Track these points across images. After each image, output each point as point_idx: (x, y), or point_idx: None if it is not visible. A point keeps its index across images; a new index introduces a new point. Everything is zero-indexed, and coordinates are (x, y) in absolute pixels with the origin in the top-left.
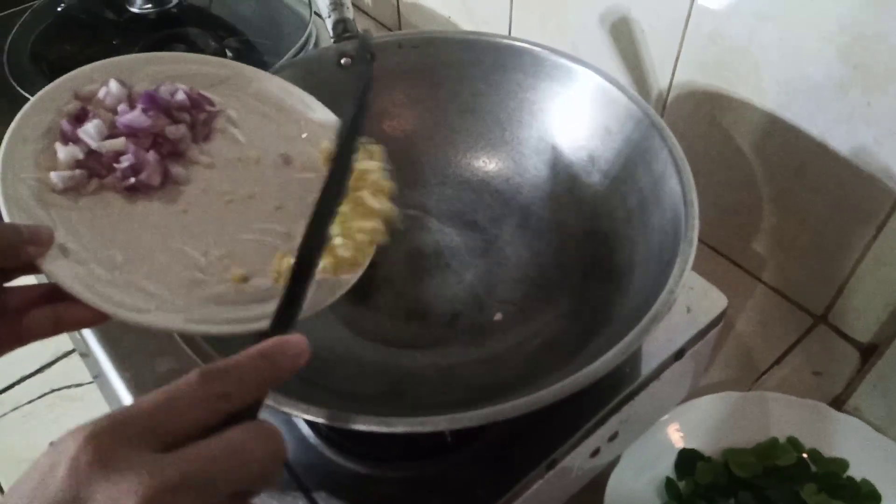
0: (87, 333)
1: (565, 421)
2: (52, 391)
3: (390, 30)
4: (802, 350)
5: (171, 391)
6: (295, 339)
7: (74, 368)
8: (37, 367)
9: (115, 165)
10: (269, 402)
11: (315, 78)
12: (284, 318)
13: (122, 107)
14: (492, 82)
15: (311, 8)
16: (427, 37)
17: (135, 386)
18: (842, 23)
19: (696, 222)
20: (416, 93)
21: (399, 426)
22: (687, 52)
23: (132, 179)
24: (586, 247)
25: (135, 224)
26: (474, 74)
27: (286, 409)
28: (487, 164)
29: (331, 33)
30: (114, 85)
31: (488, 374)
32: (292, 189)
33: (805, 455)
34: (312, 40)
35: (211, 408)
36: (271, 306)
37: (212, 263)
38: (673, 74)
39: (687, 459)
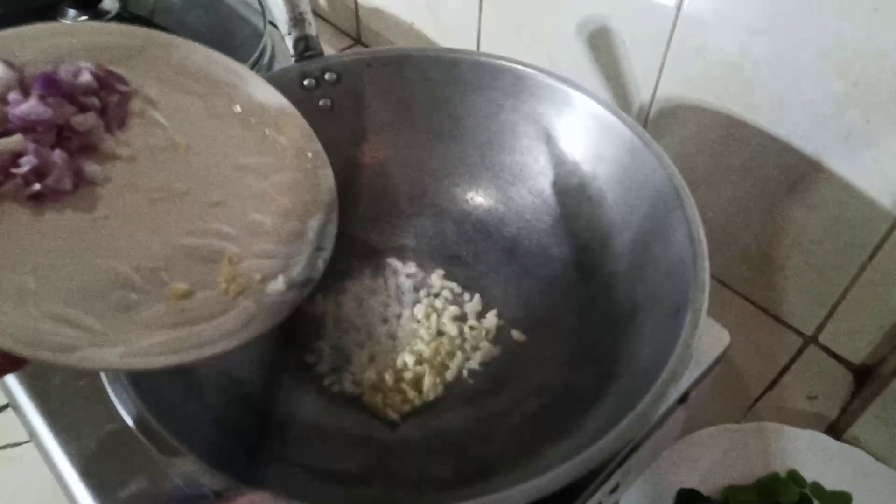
0: (13, 384)
1: (568, 486)
2: None
3: (349, 35)
4: (795, 373)
5: None
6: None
7: (12, 425)
8: None
9: (14, 170)
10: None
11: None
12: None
13: (13, 95)
14: (469, 103)
15: (265, 18)
16: (398, 54)
17: (75, 450)
18: (841, 38)
19: (707, 263)
20: (387, 115)
21: None
22: (671, 66)
23: (37, 186)
24: (581, 285)
25: (46, 240)
26: (450, 94)
27: None
28: (467, 192)
29: (291, 52)
30: None
31: (485, 439)
32: (231, 179)
33: (807, 489)
34: (268, 54)
35: None
36: (224, 324)
37: (146, 279)
38: (655, 89)
39: (686, 501)
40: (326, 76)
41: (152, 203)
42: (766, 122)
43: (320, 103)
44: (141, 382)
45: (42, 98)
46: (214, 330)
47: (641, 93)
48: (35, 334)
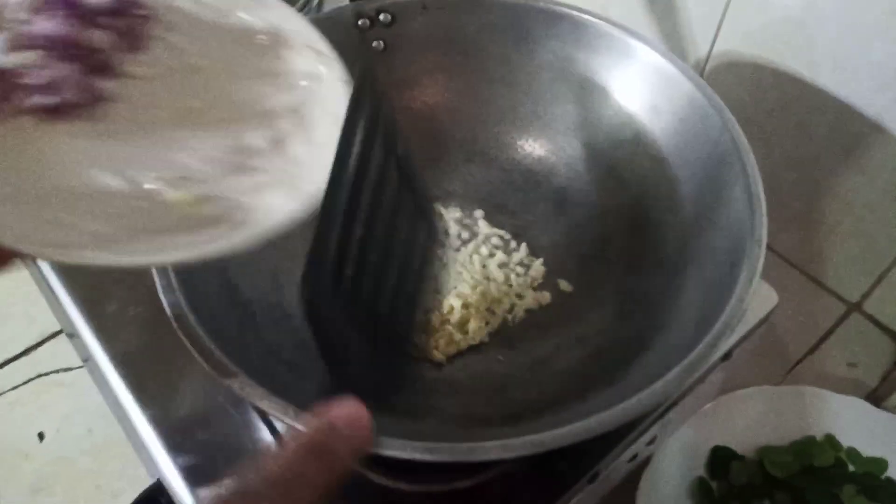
0: (71, 310)
1: (609, 433)
2: (39, 376)
3: None
4: (836, 340)
5: None
6: (350, 413)
7: (62, 351)
8: (21, 349)
9: (29, 82)
10: (281, 417)
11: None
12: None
13: (31, 12)
14: (524, 50)
15: None
16: None
17: (130, 374)
18: None
19: (765, 220)
20: (440, 60)
21: (444, 454)
22: (731, 19)
23: (52, 99)
24: (631, 237)
25: (60, 152)
26: (505, 41)
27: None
28: (518, 140)
29: None
30: None
31: (529, 383)
32: (244, 99)
33: (842, 454)
34: None
35: None
36: (225, 230)
37: (159, 189)
38: (713, 42)
39: (720, 458)
40: (381, 17)
41: (166, 119)
42: (826, 82)
43: (373, 44)
44: (200, 309)
45: (61, 16)
46: (219, 234)
47: (699, 47)
48: (42, 234)
